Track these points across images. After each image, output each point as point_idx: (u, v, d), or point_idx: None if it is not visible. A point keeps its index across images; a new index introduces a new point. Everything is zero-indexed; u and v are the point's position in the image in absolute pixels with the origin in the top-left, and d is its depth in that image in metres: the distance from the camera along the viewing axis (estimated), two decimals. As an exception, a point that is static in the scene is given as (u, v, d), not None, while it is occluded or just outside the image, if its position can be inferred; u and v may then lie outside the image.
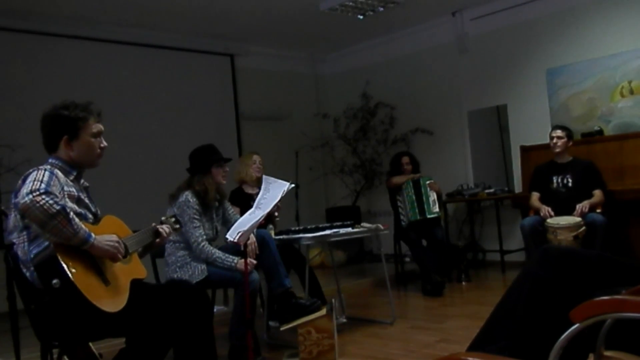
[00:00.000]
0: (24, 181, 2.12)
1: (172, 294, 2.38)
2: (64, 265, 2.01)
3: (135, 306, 2.20)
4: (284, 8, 5.98)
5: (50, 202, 2.01)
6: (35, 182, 2.05)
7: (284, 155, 6.97)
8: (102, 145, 2.37)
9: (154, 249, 2.67)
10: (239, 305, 3.30)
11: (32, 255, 2.14)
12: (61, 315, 2.14)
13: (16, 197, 2.11)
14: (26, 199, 1.99)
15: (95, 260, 2.16)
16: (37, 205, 1.98)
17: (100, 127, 2.38)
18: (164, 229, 2.57)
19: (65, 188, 2.23)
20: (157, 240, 2.54)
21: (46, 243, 2.12)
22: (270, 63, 7.52)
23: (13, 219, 2.20)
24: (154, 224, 2.56)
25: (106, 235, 2.20)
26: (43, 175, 2.11)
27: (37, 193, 2.00)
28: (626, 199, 4.94)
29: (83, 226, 2.10)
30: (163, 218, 2.65)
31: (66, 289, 2.00)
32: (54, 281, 1.99)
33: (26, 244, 2.17)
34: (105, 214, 2.45)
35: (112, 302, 2.11)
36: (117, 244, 2.21)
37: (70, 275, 2.01)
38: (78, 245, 2.09)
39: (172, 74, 6.60)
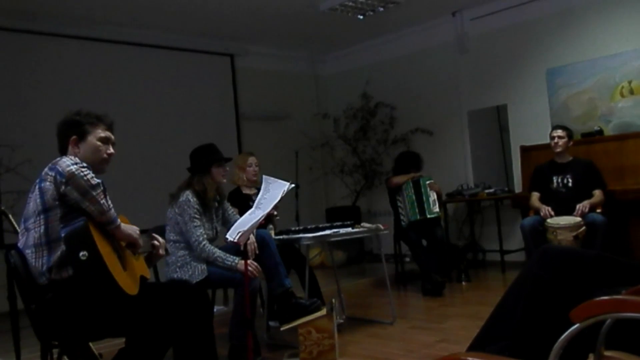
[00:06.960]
0: (52, 166, 2.17)
1: (172, 294, 2.38)
2: (95, 240, 2.08)
3: (135, 306, 2.20)
4: (283, 8, 5.99)
5: (92, 174, 2.17)
6: (74, 159, 2.19)
7: (284, 155, 6.97)
8: (109, 151, 2.43)
9: (154, 261, 2.65)
10: (239, 305, 3.30)
11: (61, 235, 2.15)
12: (61, 315, 2.14)
13: (42, 180, 2.17)
14: (72, 167, 2.13)
15: (117, 247, 2.26)
16: (82, 174, 2.13)
17: (109, 134, 2.44)
18: (158, 240, 2.58)
19: None
20: (154, 251, 2.56)
21: (78, 222, 2.14)
22: (270, 63, 7.52)
23: (33, 204, 2.20)
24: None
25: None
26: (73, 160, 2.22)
27: (81, 165, 2.16)
28: (626, 199, 4.94)
29: None
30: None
31: (92, 262, 2.04)
32: (82, 253, 2.03)
33: (42, 227, 2.17)
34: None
35: (129, 285, 2.17)
36: (138, 232, 2.36)
37: (99, 249, 2.07)
38: (107, 223, 2.21)
39: (172, 74, 6.61)
